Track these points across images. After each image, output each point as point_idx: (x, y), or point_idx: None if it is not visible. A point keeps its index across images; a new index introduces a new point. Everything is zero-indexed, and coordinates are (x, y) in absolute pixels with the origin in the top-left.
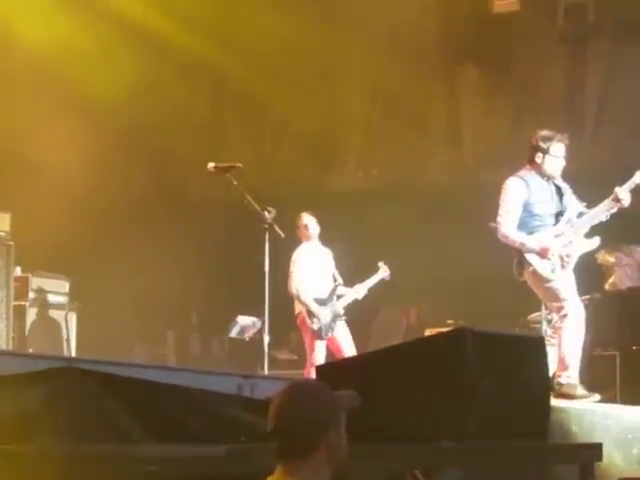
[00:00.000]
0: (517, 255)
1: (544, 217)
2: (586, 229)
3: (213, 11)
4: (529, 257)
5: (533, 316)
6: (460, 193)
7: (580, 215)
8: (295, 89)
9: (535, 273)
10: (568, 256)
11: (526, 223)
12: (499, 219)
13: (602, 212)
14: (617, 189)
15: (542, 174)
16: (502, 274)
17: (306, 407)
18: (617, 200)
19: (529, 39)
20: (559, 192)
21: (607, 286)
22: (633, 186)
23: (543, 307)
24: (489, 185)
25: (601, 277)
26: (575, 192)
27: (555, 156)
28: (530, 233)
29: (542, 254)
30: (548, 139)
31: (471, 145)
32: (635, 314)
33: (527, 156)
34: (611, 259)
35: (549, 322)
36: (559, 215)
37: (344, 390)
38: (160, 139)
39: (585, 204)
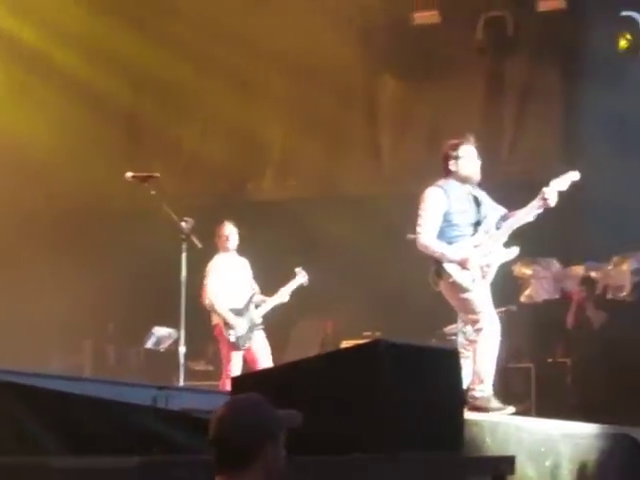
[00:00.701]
0: (435, 265)
1: (463, 227)
2: (505, 238)
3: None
4: (448, 267)
5: (449, 328)
6: (379, 204)
7: (503, 219)
8: (214, 99)
9: (454, 283)
10: (488, 266)
11: (445, 233)
12: (418, 229)
13: (529, 213)
14: (545, 189)
15: (461, 180)
16: (420, 285)
17: (246, 420)
18: (544, 199)
19: (449, 51)
20: (477, 202)
21: (523, 298)
22: (560, 187)
23: (459, 319)
24: (407, 196)
25: (517, 289)
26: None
27: (466, 157)
28: (449, 243)
29: (462, 264)
30: (455, 145)
31: (390, 156)
32: (550, 327)
33: (442, 168)
34: (527, 271)
35: (464, 334)
36: (477, 225)
37: (288, 410)
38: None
39: (502, 214)
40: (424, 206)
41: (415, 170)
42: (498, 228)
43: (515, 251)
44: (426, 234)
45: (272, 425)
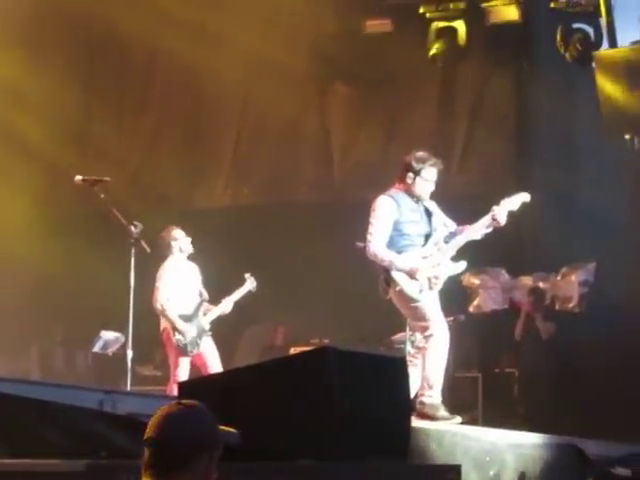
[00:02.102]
0: (384, 274)
1: (413, 237)
2: (453, 252)
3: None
4: (396, 276)
5: (397, 336)
6: (329, 212)
7: (451, 236)
8: (165, 105)
9: (402, 293)
10: (436, 277)
11: (395, 242)
12: (369, 237)
13: (477, 231)
14: (495, 207)
15: (411, 195)
16: (369, 293)
17: (186, 425)
18: (493, 219)
19: (401, 60)
20: (428, 213)
21: (471, 308)
22: (510, 207)
23: (407, 327)
24: (358, 204)
25: (466, 299)
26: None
27: (426, 179)
28: (399, 252)
29: (411, 274)
30: (422, 161)
31: (340, 164)
32: (498, 337)
33: (398, 174)
34: (476, 281)
35: (412, 343)
36: (427, 237)
37: (228, 427)
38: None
39: (456, 225)
40: (375, 214)
41: (366, 178)
42: (447, 242)
43: (462, 265)
44: (376, 243)
45: (211, 438)
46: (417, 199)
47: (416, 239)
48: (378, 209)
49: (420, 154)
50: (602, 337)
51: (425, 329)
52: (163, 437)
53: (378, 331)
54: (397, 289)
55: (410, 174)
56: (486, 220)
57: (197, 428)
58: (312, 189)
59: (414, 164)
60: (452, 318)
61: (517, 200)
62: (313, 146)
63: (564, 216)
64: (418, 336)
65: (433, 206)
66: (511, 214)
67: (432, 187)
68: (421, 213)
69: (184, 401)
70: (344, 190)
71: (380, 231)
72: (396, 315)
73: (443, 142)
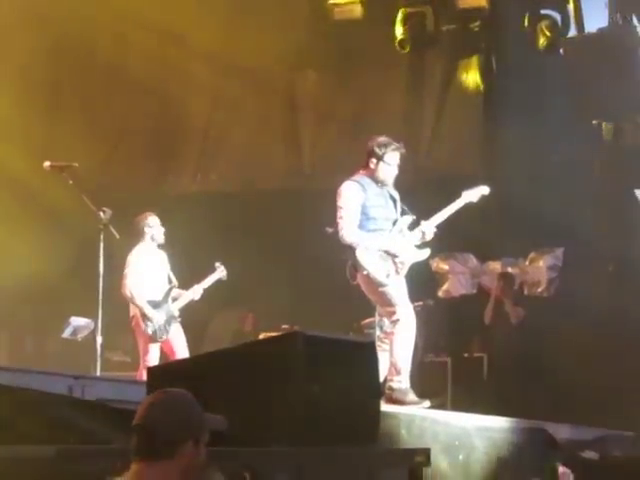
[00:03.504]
0: (352, 258)
1: (380, 221)
2: (417, 240)
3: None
4: (364, 261)
5: (366, 321)
6: (298, 199)
7: (411, 227)
8: (134, 90)
9: (369, 277)
10: (402, 263)
11: (364, 226)
12: (340, 221)
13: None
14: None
15: (375, 180)
16: (339, 279)
17: (172, 413)
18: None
19: (370, 46)
20: (392, 199)
21: (440, 293)
22: (470, 199)
23: (376, 312)
24: (326, 191)
25: (435, 284)
26: (410, 200)
27: (389, 164)
28: None
29: (390, 252)
30: (384, 146)
31: (309, 151)
32: (467, 322)
33: (363, 161)
34: (445, 266)
35: (381, 328)
36: (393, 222)
37: (215, 414)
38: None
39: (414, 217)
40: (342, 199)
41: (335, 165)
42: (411, 229)
43: (426, 252)
44: (348, 226)
45: (198, 424)
46: (381, 184)
47: (383, 223)
48: (344, 193)
49: (382, 139)
50: (570, 321)
51: (392, 314)
52: (150, 423)
53: (348, 316)
54: (364, 273)
55: (373, 159)
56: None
57: (182, 414)
58: (281, 175)
59: (376, 149)
60: (421, 303)
61: (477, 192)
62: (282, 133)
63: (532, 200)
64: (386, 321)
65: (396, 195)
66: (479, 202)
67: (395, 171)
68: (386, 198)
69: (172, 389)
70: (313, 177)
71: (350, 214)
72: (366, 300)
73: (412, 128)
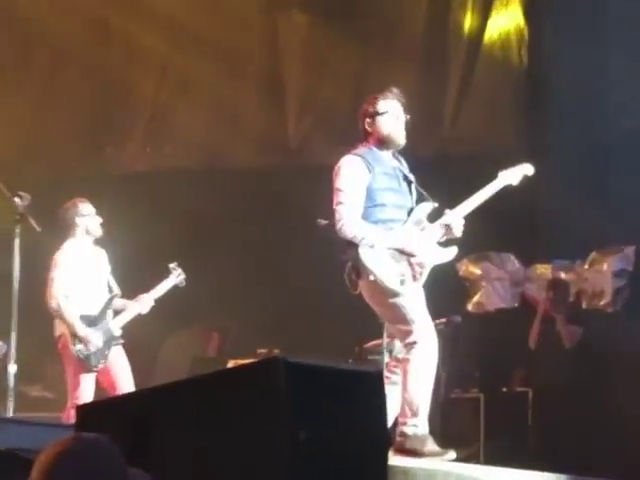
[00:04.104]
0: (353, 260)
1: (391, 209)
2: (440, 235)
3: None
4: (369, 262)
5: (371, 344)
6: (281, 180)
7: (432, 218)
8: (66, 51)
9: (376, 284)
10: (420, 265)
11: (369, 215)
12: (338, 208)
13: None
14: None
15: (381, 143)
16: (335, 288)
17: (82, 467)
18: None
19: None
20: (407, 181)
21: (470, 306)
22: (508, 181)
23: (385, 332)
24: (317, 169)
25: (463, 294)
26: (430, 182)
27: (387, 114)
28: None
29: (407, 253)
30: (375, 99)
31: (296, 118)
32: (506, 345)
33: (361, 132)
34: (477, 271)
35: (390, 352)
36: (408, 212)
37: (136, 469)
38: None
39: (436, 205)
40: (341, 180)
41: (331, 137)
42: (431, 222)
43: (453, 252)
44: (348, 215)
45: None
46: (388, 146)
47: (396, 212)
48: (345, 172)
49: (372, 96)
50: None
51: (406, 334)
52: None
53: (346, 337)
54: (370, 279)
55: (368, 119)
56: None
57: (97, 471)
58: (259, 150)
59: (369, 107)
60: (445, 320)
61: (517, 173)
62: (261, 95)
63: (592, 187)
64: (398, 344)
65: (411, 175)
66: (521, 187)
67: (402, 121)
68: (399, 179)
69: (83, 434)
70: (301, 152)
71: (352, 199)
72: (370, 316)
73: (431, 88)
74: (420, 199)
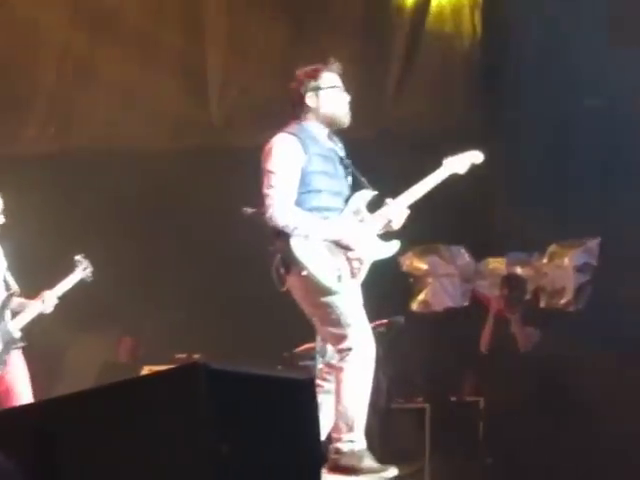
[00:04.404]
0: (282, 251)
1: (326, 196)
2: (380, 228)
3: None
4: (302, 255)
5: (302, 349)
6: (202, 163)
7: (371, 208)
8: None
9: (309, 280)
10: (359, 260)
11: (302, 202)
12: (269, 192)
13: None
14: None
15: (324, 122)
16: (262, 285)
17: None
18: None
19: None
20: (343, 164)
21: (415, 306)
22: (454, 170)
23: (318, 336)
24: (243, 151)
25: (406, 292)
26: (371, 167)
27: (334, 87)
28: None
29: (344, 246)
30: (314, 72)
31: (219, 94)
32: (455, 349)
33: (294, 107)
34: (422, 266)
35: (323, 358)
36: (345, 200)
37: None
38: None
39: (375, 193)
40: (273, 162)
41: (259, 114)
42: (370, 212)
43: (395, 246)
44: (281, 202)
45: None
46: (332, 125)
47: (332, 199)
48: (277, 152)
49: (305, 68)
50: (609, 349)
51: (340, 339)
52: None
53: (272, 342)
54: (303, 274)
55: (309, 93)
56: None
57: None
58: (176, 130)
59: (306, 80)
60: (385, 322)
61: (464, 161)
62: (178, 67)
63: (552, 172)
64: (331, 349)
65: (348, 160)
66: (472, 173)
67: (346, 96)
68: (335, 162)
69: None
70: (225, 132)
71: (285, 183)
72: (302, 317)
73: (371, 63)
74: (358, 186)
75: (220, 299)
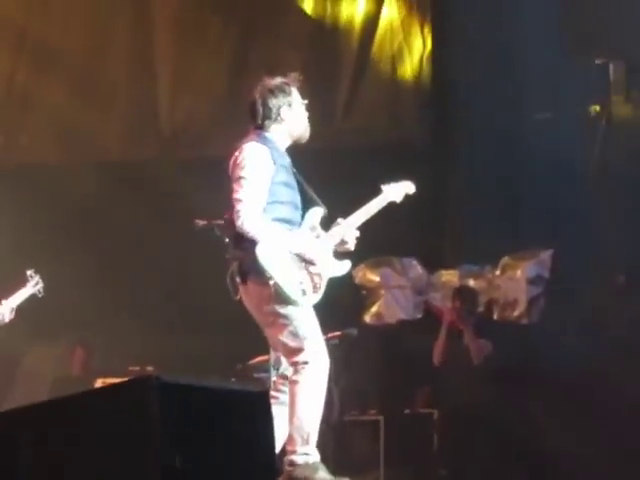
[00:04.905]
0: (243, 258)
1: (288, 208)
2: (335, 246)
3: None
4: (269, 264)
5: (256, 361)
6: (153, 174)
7: (324, 225)
8: None
9: (271, 291)
10: (319, 276)
11: (268, 211)
12: (240, 198)
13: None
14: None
15: (290, 137)
16: (214, 296)
17: None
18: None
19: None
20: (296, 179)
21: (368, 318)
22: (392, 198)
23: (272, 348)
24: (195, 162)
25: (359, 304)
26: (320, 180)
27: (301, 103)
28: None
29: (307, 260)
30: (287, 86)
31: (169, 101)
32: (408, 361)
33: (258, 117)
34: (375, 278)
35: (277, 370)
36: (303, 212)
37: None
38: None
39: (325, 210)
40: (246, 170)
41: (208, 125)
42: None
43: (347, 265)
44: (251, 210)
45: None
46: (297, 140)
47: (293, 212)
48: (250, 161)
49: (276, 80)
50: (562, 361)
51: (295, 352)
52: None
53: (228, 353)
54: (271, 283)
55: (283, 108)
56: (376, 205)
57: None
58: (127, 142)
59: (278, 93)
60: (338, 334)
61: (399, 190)
62: (128, 79)
63: (503, 184)
64: (285, 362)
65: (300, 176)
66: (423, 183)
67: (306, 114)
68: (293, 176)
69: None
70: (176, 142)
71: (256, 192)
72: (256, 328)
73: (323, 71)
74: (308, 201)
75: (173, 312)
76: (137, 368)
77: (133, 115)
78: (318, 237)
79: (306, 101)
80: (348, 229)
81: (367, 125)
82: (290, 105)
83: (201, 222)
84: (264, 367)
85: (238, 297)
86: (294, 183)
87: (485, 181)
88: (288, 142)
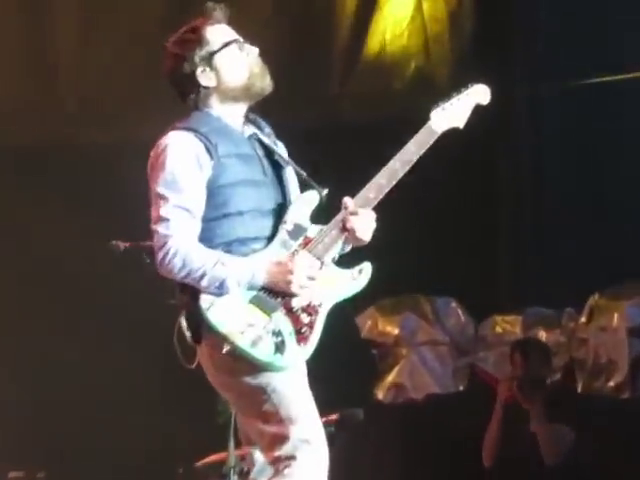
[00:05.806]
0: (189, 309)
1: (251, 218)
2: (339, 247)
3: None
4: (219, 321)
5: (208, 460)
6: (54, 166)
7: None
8: None
9: (228, 354)
10: (311, 310)
11: (214, 232)
12: (159, 228)
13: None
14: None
15: (236, 97)
16: (151, 353)
17: None
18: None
19: None
20: (271, 160)
21: (382, 393)
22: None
23: (231, 440)
24: (104, 151)
25: (368, 371)
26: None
27: (225, 44)
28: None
29: (281, 292)
30: (198, 30)
31: (68, 77)
32: (441, 458)
33: (182, 91)
34: (393, 329)
35: (244, 475)
36: (276, 215)
37: None
38: None
39: (326, 190)
40: (165, 178)
41: (130, 98)
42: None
43: (364, 274)
44: (178, 241)
45: None
46: (251, 96)
47: (259, 222)
48: (170, 163)
49: (190, 26)
50: None
51: (276, 443)
52: None
53: (163, 451)
54: (224, 351)
55: (200, 68)
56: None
57: None
58: (19, 121)
59: (188, 53)
60: (333, 418)
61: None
62: (20, 56)
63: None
64: (258, 458)
65: (282, 150)
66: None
67: (255, 52)
68: (259, 158)
69: None
70: (81, 122)
71: (184, 211)
72: (209, 412)
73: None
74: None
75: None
76: (20, 474)
77: (25, 88)
78: (307, 243)
79: (236, 37)
80: (355, 210)
81: (362, 100)
82: (209, 59)
83: (121, 245)
84: (219, 471)
85: (194, 365)
86: (259, 173)
87: (564, 182)
88: (238, 109)
